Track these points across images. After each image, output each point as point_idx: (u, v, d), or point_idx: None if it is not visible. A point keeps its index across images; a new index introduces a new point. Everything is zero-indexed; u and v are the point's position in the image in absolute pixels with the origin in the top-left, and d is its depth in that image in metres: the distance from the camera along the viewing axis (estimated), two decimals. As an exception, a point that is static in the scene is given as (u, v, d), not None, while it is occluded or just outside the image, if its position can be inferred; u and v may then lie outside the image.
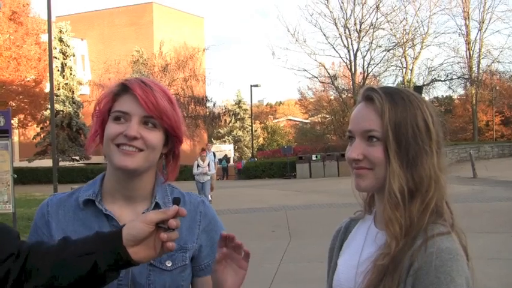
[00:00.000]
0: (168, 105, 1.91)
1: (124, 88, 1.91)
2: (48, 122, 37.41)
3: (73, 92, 43.15)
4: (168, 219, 1.59)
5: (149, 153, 1.91)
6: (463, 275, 1.51)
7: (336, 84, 44.66)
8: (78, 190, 2.02)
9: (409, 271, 1.54)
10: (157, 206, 1.99)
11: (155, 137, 1.91)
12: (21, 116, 35.60)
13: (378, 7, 41.29)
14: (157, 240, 1.60)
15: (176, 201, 1.65)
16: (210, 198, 19.47)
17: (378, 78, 45.48)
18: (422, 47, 47.00)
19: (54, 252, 1.60)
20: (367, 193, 1.85)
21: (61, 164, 37.79)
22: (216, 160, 24.14)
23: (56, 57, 38.61)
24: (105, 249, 1.56)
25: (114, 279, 1.62)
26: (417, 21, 45.51)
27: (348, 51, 42.51)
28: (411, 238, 1.59)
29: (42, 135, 42.19)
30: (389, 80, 47.14)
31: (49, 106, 25.46)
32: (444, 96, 60.14)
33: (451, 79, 46.60)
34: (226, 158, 49.61)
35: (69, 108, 42.06)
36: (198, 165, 19.82)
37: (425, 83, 44.95)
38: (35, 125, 40.72)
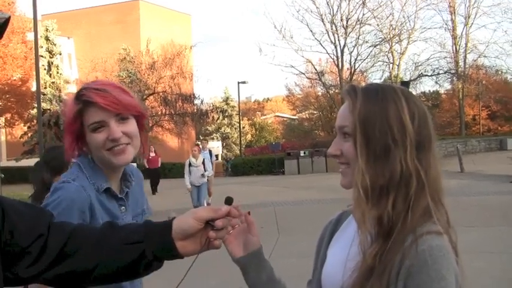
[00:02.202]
0: (126, 96, 2.19)
1: (85, 103, 2.15)
2: (35, 120, 37.20)
3: (60, 90, 42.88)
4: (219, 218, 1.66)
5: (134, 141, 2.24)
6: (452, 272, 1.52)
7: (323, 80, 44.71)
8: (83, 177, 2.23)
9: (400, 270, 1.54)
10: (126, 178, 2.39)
11: (132, 126, 2.22)
12: (8, 115, 35.42)
13: (364, 3, 41.36)
14: (204, 236, 1.67)
15: (228, 201, 1.73)
16: (205, 204, 16.77)
17: (365, 73, 45.65)
18: (408, 42, 47.18)
19: (100, 236, 1.65)
20: None
21: (49, 163, 37.57)
22: (213, 159, 21.50)
23: (42, 56, 38.38)
24: (154, 240, 1.62)
25: (157, 269, 1.68)
26: (403, 17, 45.66)
27: (335, 47, 42.61)
28: (400, 238, 1.57)
29: (29, 134, 41.94)
30: (377, 75, 47.29)
31: (36, 105, 25.34)
32: (431, 91, 60.32)
33: (438, 74, 46.75)
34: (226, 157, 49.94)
35: (57, 106, 41.77)
36: (190, 164, 16.78)
37: (412, 78, 45.06)
38: (22, 124, 40.50)
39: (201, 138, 45.25)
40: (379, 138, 1.62)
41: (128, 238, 1.62)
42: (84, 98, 2.15)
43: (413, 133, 1.64)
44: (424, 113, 1.69)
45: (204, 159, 17.12)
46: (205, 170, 16.82)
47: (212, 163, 19.91)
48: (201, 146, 19.34)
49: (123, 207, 2.30)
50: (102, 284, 1.66)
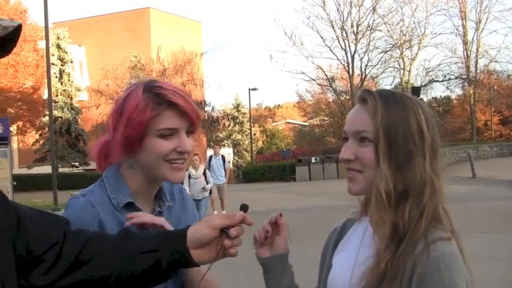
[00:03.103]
0: (195, 107, 1.94)
1: (167, 104, 1.86)
2: (47, 128, 37.34)
3: (71, 98, 43.11)
4: (234, 225, 1.64)
5: (187, 159, 1.99)
6: (464, 279, 1.54)
7: (334, 87, 44.73)
8: (100, 191, 1.95)
9: (413, 276, 1.55)
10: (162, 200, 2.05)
11: (192, 143, 1.95)
12: (20, 123, 35.58)
13: (374, 9, 41.41)
14: (219, 244, 1.65)
15: (244, 208, 1.69)
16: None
17: (375, 80, 45.55)
18: (419, 48, 47.09)
19: (115, 244, 1.64)
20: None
21: (60, 170, 37.73)
22: (226, 165, 19.42)
23: (53, 64, 38.57)
24: (169, 248, 1.61)
25: (173, 277, 1.68)
26: (414, 22, 45.59)
27: (346, 53, 42.63)
28: (411, 244, 1.59)
29: (41, 142, 42.12)
30: (387, 81, 47.24)
31: (47, 112, 25.47)
32: (442, 96, 60.03)
33: (449, 79, 46.63)
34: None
35: (68, 114, 42.01)
36: (189, 176, 14.94)
37: (423, 84, 44.97)
38: (34, 132, 40.68)
39: (212, 144, 45.22)
40: (402, 145, 1.64)
41: (143, 247, 1.62)
42: (166, 98, 1.85)
43: (430, 141, 1.67)
44: (434, 122, 1.73)
45: (204, 169, 15.69)
46: (207, 183, 15.32)
47: (226, 170, 18.91)
48: (203, 153, 18.34)
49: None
50: None
